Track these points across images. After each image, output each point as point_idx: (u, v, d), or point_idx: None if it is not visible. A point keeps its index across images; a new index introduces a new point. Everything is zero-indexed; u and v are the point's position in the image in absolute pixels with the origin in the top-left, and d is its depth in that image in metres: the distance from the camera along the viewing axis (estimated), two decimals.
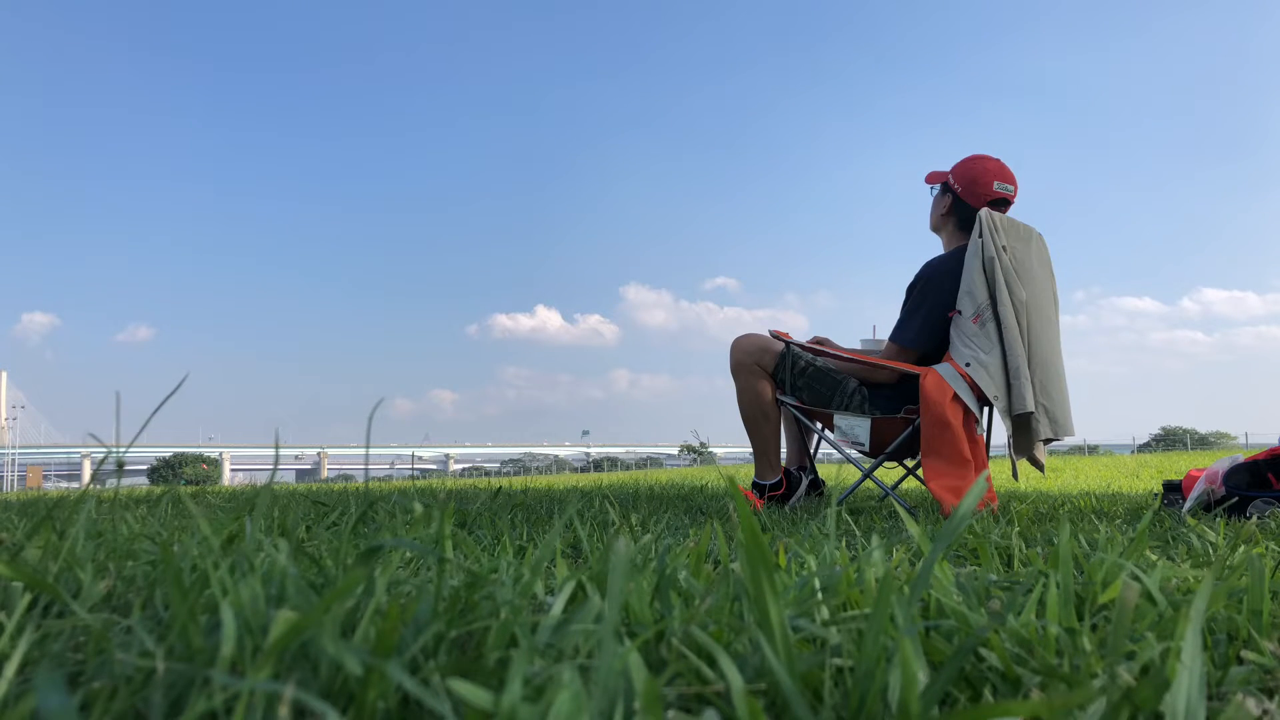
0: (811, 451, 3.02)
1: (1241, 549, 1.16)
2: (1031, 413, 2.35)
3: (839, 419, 2.68)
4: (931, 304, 2.55)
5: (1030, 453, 2.49)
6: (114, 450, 0.82)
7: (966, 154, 2.69)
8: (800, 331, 3.44)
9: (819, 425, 2.84)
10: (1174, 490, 2.53)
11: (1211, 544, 1.32)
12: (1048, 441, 2.47)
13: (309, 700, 0.43)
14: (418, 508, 0.85)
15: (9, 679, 0.51)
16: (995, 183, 2.58)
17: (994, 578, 0.88)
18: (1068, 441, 2.67)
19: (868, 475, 2.65)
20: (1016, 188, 2.63)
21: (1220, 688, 0.62)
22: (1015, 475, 2.58)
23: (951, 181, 2.63)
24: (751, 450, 2.80)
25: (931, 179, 2.74)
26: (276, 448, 0.88)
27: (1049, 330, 2.48)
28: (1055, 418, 2.39)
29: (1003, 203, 2.61)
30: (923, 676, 0.52)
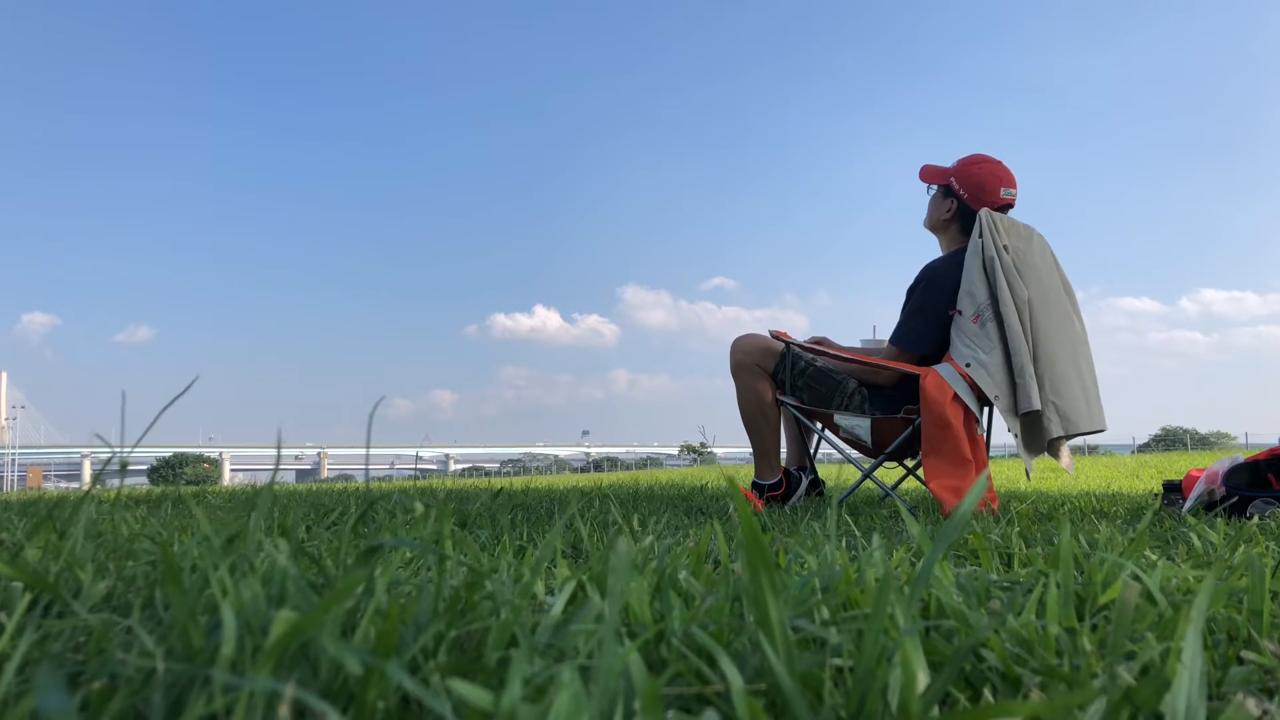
0: (811, 451, 3.02)
1: (1241, 549, 1.16)
2: (1039, 411, 2.34)
3: (839, 419, 2.68)
4: (932, 306, 2.55)
5: (1042, 452, 2.48)
6: (119, 450, 0.82)
7: (965, 153, 2.67)
8: (800, 331, 3.44)
9: (819, 425, 2.84)
10: (1174, 490, 2.53)
11: (1212, 544, 1.32)
12: (1060, 439, 2.45)
13: (309, 700, 0.43)
14: (418, 507, 0.85)
15: (9, 679, 0.51)
16: (1002, 189, 2.56)
17: (994, 578, 0.88)
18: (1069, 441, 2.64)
19: (868, 475, 2.65)
20: (1017, 190, 2.62)
21: (1220, 688, 0.62)
22: (1029, 475, 2.58)
23: (955, 186, 2.60)
24: (751, 450, 2.80)
25: (927, 177, 2.70)
26: (279, 448, 0.88)
27: (1058, 327, 2.45)
28: (1066, 415, 2.38)
29: (1006, 207, 2.59)
30: (923, 677, 0.52)
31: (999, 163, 2.62)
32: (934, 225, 2.71)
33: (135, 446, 0.84)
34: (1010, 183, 2.59)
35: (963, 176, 2.59)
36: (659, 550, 0.96)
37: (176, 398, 0.85)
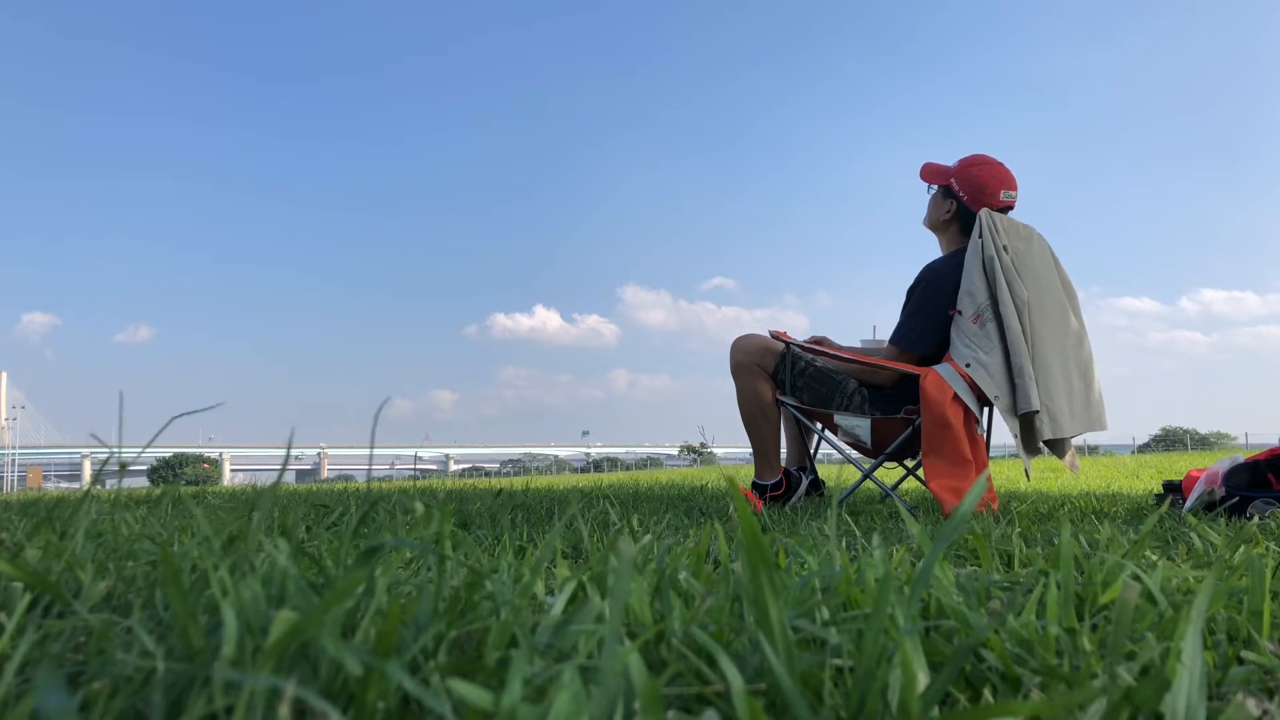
0: (811, 452, 3.02)
1: (1241, 549, 1.16)
2: (1036, 412, 2.35)
3: (839, 419, 2.68)
4: (932, 306, 2.55)
5: (1039, 452, 2.48)
6: (119, 451, 0.82)
7: (965, 153, 2.66)
8: (800, 331, 3.44)
9: (819, 425, 2.84)
10: (1174, 490, 2.53)
11: (1212, 544, 1.32)
12: (1059, 440, 2.45)
13: (310, 700, 0.43)
14: (419, 507, 0.85)
15: (9, 679, 0.51)
16: (1002, 191, 2.55)
17: (994, 578, 0.88)
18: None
19: (868, 475, 2.65)
20: (1018, 192, 2.61)
21: (1220, 688, 0.62)
22: (1028, 475, 2.58)
23: (955, 188, 2.59)
24: (751, 450, 2.80)
25: (928, 176, 2.69)
26: (288, 448, 0.88)
27: (1053, 330, 2.45)
28: (1055, 417, 2.38)
29: (1006, 209, 2.59)
30: (923, 677, 0.52)
31: (1000, 164, 2.61)
32: (934, 225, 2.71)
33: (145, 448, 0.84)
34: (1011, 185, 2.58)
35: (963, 178, 2.58)
36: (659, 550, 0.96)
37: (193, 411, 0.85)
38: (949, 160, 2.67)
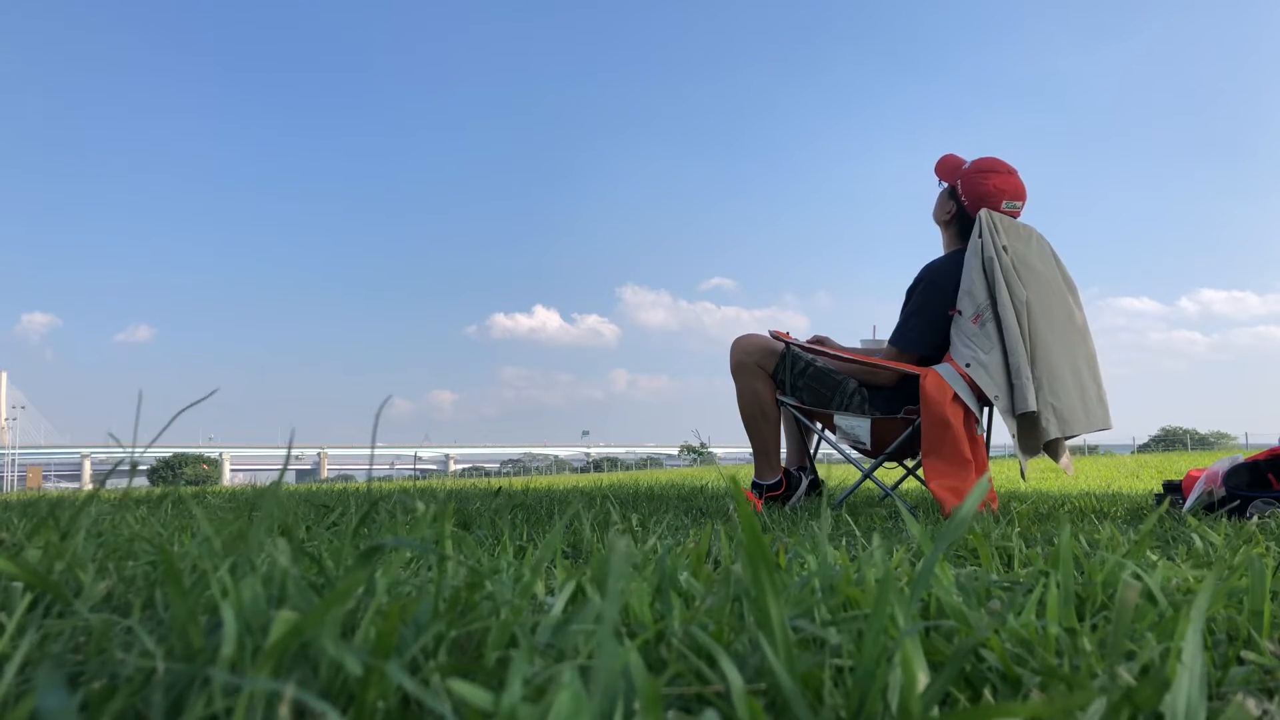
0: (811, 452, 3.02)
1: (1241, 549, 1.15)
2: (1035, 412, 2.34)
3: (839, 419, 2.68)
4: (931, 306, 2.54)
5: (1038, 452, 2.47)
6: (133, 450, 0.82)
7: (968, 153, 2.64)
8: (800, 331, 3.44)
9: (819, 425, 2.84)
10: (1174, 490, 2.53)
11: (1212, 544, 1.32)
12: (1059, 440, 2.44)
13: (309, 700, 0.43)
14: (420, 507, 0.85)
15: (10, 679, 0.51)
16: (1005, 202, 2.52)
17: (994, 578, 0.88)
18: (1069, 442, 2.63)
19: (868, 475, 2.65)
20: (1025, 200, 2.57)
21: (1220, 688, 0.62)
22: (1024, 475, 2.57)
23: (959, 191, 2.57)
24: (751, 450, 2.80)
25: (940, 172, 2.66)
26: (289, 448, 0.88)
27: (1057, 328, 2.44)
28: (1063, 416, 2.37)
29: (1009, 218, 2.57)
30: (923, 677, 0.52)
31: (1010, 174, 2.56)
32: (937, 218, 2.70)
33: (148, 446, 0.85)
34: (1017, 195, 2.54)
35: (969, 184, 2.55)
36: (660, 550, 0.96)
37: (196, 403, 0.85)
38: (969, 156, 2.63)
